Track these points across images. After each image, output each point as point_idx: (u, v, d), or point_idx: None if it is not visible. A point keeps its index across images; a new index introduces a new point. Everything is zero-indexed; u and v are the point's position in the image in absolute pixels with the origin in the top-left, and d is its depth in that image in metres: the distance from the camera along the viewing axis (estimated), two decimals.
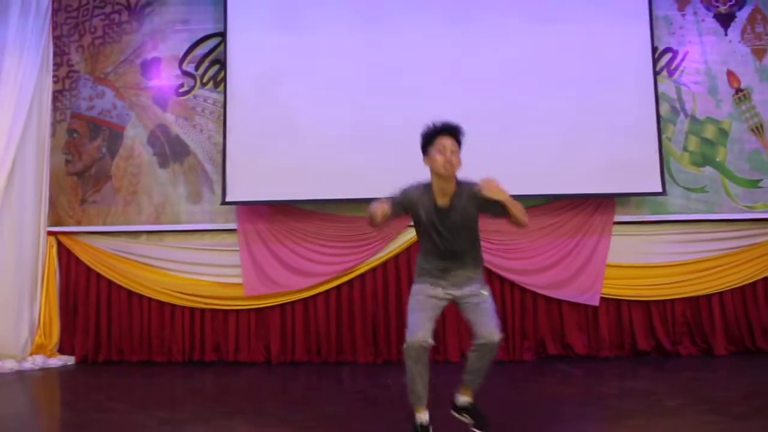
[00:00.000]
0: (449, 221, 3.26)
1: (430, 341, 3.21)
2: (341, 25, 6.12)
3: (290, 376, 5.51)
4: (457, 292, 3.33)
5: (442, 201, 3.27)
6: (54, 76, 6.53)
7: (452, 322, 5.87)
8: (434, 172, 3.25)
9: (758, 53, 6.18)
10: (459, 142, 3.25)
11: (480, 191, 3.16)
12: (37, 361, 5.96)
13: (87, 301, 6.25)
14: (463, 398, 3.45)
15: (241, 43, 6.20)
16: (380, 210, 3.17)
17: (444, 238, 3.28)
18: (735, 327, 5.92)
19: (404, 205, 3.31)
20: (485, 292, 3.35)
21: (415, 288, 3.37)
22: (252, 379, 5.39)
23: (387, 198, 3.28)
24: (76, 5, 6.60)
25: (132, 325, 6.18)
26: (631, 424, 3.72)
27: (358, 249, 5.99)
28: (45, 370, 5.86)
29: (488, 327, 3.24)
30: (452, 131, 3.23)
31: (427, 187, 3.31)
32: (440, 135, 3.22)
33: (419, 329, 3.20)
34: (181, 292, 6.12)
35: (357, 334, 5.99)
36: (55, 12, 6.58)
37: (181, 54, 6.44)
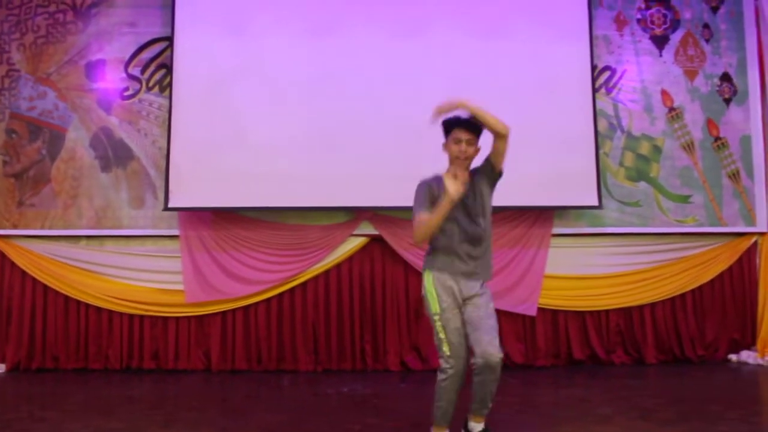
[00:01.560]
0: (468, 204, 3.34)
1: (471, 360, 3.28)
2: (289, 34, 6.12)
3: (230, 384, 5.48)
4: (465, 291, 3.34)
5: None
6: None
7: (392, 326, 5.96)
8: (450, 159, 3.40)
9: (690, 74, 6.45)
10: (477, 134, 3.37)
11: (481, 169, 3.38)
12: None
13: (21, 307, 6.06)
14: (475, 425, 3.46)
15: (188, 48, 6.13)
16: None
17: (467, 221, 3.34)
18: (665, 337, 6.15)
19: (434, 196, 3.33)
20: (491, 303, 3.38)
21: (444, 298, 3.31)
22: (191, 387, 5.35)
23: (422, 207, 3.32)
24: (18, 2, 6.41)
25: (68, 331, 6.03)
26: (564, 431, 3.83)
27: (301, 257, 6.00)
28: None
29: (491, 344, 3.23)
30: (470, 126, 3.34)
31: (439, 178, 3.37)
32: (456, 127, 3.34)
33: (464, 353, 3.26)
34: (120, 299, 6.01)
35: (298, 342, 5.99)
36: None
37: (127, 57, 6.34)
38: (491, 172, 3.42)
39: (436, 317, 3.29)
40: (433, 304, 3.32)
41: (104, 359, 6.01)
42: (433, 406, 3.34)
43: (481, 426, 3.45)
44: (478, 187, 3.40)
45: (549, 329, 6.12)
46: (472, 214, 3.37)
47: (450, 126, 3.38)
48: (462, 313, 3.33)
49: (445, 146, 3.42)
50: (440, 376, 3.28)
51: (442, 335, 3.25)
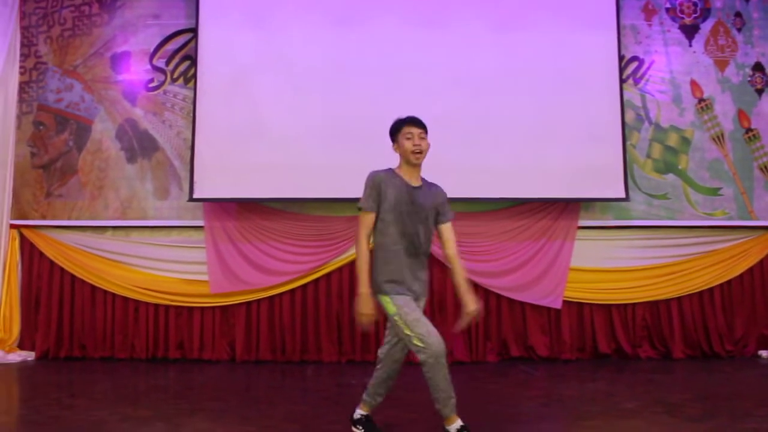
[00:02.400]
0: (419, 201, 3.36)
1: None
2: (312, 25, 6.13)
3: (254, 374, 5.51)
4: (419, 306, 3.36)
5: (415, 183, 3.42)
6: (21, 67, 6.44)
7: None
8: (404, 157, 3.42)
9: (720, 64, 6.34)
10: (425, 129, 3.44)
11: (442, 197, 3.46)
12: None
13: (50, 296, 6.17)
14: (362, 412, 3.57)
15: (212, 40, 6.17)
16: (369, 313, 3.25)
17: (413, 219, 3.33)
18: (693, 331, 6.08)
19: (376, 190, 3.33)
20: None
21: (400, 299, 3.26)
22: (216, 377, 5.37)
23: (366, 203, 3.33)
24: None
25: (95, 320, 6.12)
26: (588, 425, 3.79)
27: (325, 248, 6.01)
28: (3, 366, 5.76)
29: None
30: (419, 122, 3.43)
31: (393, 172, 3.43)
32: (407, 125, 3.41)
33: (436, 333, 3.19)
34: (145, 289, 6.08)
35: (322, 333, 6.02)
36: (23, 1, 6.48)
37: (152, 49, 6.39)
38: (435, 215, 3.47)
39: (396, 317, 3.24)
40: (389, 308, 3.27)
41: (130, 349, 6.08)
42: (435, 402, 3.25)
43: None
44: (432, 201, 3.42)
45: (574, 322, 6.07)
46: (423, 221, 3.38)
47: (397, 128, 3.43)
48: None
49: (397, 147, 3.44)
50: (423, 369, 3.19)
51: (407, 332, 3.20)
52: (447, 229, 3.45)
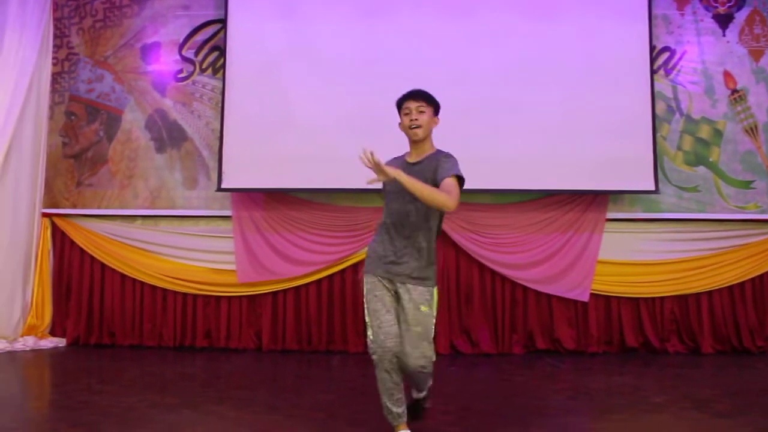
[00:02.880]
0: (411, 174, 3.09)
1: (397, 348, 3.06)
2: (341, 16, 6.13)
3: (281, 363, 5.55)
4: (404, 293, 3.12)
5: (413, 159, 3.26)
6: (53, 57, 6.53)
7: (442, 309, 5.94)
8: (405, 134, 3.28)
9: (755, 54, 6.20)
10: (431, 104, 3.24)
11: (435, 164, 3.14)
12: (28, 342, 6.00)
13: (80, 284, 6.28)
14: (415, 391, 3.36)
15: (241, 31, 6.19)
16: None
17: (405, 198, 3.11)
18: (722, 326, 5.98)
19: None
20: (426, 309, 3.12)
21: (369, 283, 3.16)
22: (243, 366, 5.43)
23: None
24: None
25: (124, 308, 6.21)
26: (615, 419, 3.76)
27: (351, 239, 6.02)
28: (36, 352, 5.89)
29: (411, 355, 3.07)
30: (417, 95, 3.24)
31: (402, 155, 3.34)
32: (406, 100, 3.25)
33: (385, 334, 3.04)
34: (174, 277, 6.15)
35: (347, 324, 6.03)
36: None
37: (181, 39, 6.44)
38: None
39: (364, 300, 3.16)
40: (364, 287, 3.19)
41: (158, 337, 6.16)
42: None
43: (417, 395, 3.34)
44: (426, 175, 3.12)
45: (602, 315, 6.01)
46: (413, 200, 3.10)
47: (398, 105, 3.29)
48: (394, 300, 3.15)
49: (400, 126, 3.28)
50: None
51: (366, 319, 3.13)
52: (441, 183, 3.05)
